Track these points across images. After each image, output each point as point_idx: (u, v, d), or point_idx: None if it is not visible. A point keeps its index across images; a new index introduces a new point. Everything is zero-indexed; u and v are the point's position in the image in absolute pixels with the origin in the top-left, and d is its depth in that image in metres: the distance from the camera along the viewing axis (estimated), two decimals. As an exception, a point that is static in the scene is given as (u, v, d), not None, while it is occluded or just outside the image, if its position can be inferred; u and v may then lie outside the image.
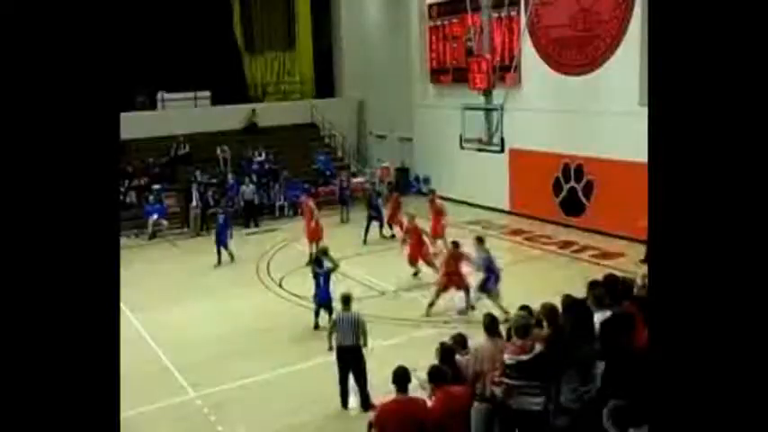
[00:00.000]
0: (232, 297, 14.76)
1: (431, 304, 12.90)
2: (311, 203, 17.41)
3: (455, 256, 12.98)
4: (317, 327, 12.30)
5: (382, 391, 6.24)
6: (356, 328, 9.36)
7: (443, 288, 12.90)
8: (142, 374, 10.59)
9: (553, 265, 15.94)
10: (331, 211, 21.37)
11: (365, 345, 9.47)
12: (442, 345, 6.96)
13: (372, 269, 15.52)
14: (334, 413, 9.63)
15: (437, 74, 23.66)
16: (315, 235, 16.47)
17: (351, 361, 9.38)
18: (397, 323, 12.69)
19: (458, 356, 6.87)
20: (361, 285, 14.88)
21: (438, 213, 16.71)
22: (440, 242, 15.98)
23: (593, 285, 7.04)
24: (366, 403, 9.29)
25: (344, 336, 9.39)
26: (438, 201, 17.20)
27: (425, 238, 15.18)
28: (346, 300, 9.70)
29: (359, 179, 25.10)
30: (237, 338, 12.23)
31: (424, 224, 15.90)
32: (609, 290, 6.79)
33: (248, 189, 21.63)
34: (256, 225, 21.29)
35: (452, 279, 12.83)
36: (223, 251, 17.20)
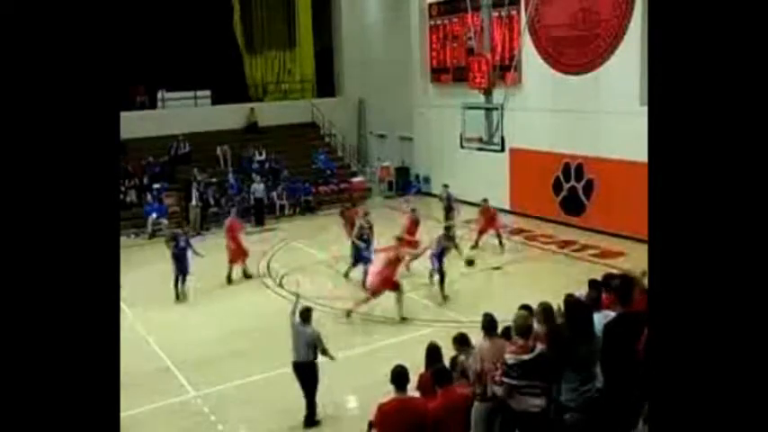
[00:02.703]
0: (232, 296, 14.76)
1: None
2: None
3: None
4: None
5: (383, 390, 6.23)
6: (309, 344, 9.12)
7: None
8: (142, 374, 10.59)
9: (553, 265, 15.94)
10: (330, 210, 21.37)
11: (331, 358, 9.32)
12: (430, 344, 7.04)
13: (371, 269, 15.49)
14: (333, 413, 9.64)
15: (437, 73, 23.66)
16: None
17: (301, 376, 9.19)
18: (397, 323, 12.70)
19: (462, 357, 6.86)
20: (361, 286, 14.90)
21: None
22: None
23: (589, 286, 7.05)
24: (310, 420, 9.19)
25: (297, 351, 9.21)
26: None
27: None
28: (305, 314, 9.36)
29: (359, 179, 25.14)
30: (237, 338, 12.23)
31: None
32: (616, 290, 6.77)
33: (259, 187, 21.69)
34: (262, 224, 21.33)
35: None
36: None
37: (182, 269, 14.62)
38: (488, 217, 17.26)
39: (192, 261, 14.86)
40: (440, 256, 13.86)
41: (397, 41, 25.13)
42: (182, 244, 14.69)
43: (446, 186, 18.82)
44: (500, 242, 17.19)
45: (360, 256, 14.71)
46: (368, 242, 14.77)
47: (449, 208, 18.19)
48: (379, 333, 12.23)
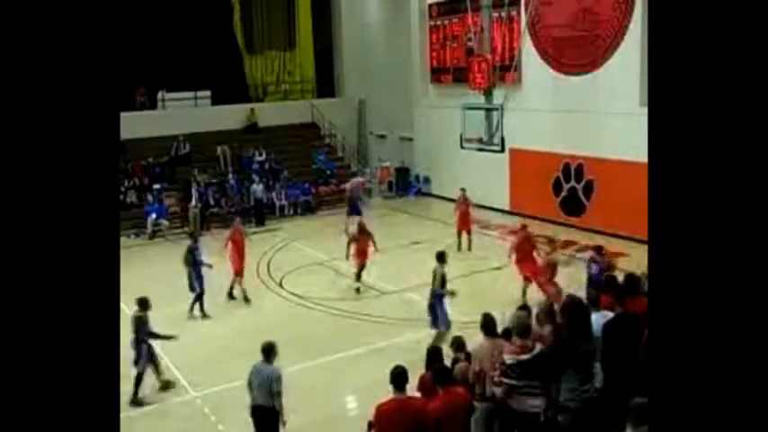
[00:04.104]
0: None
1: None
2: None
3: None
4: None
5: (382, 390, 6.23)
6: (270, 386, 7.88)
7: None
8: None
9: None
10: (331, 210, 21.38)
11: (279, 410, 7.96)
12: (431, 346, 7.02)
13: (371, 269, 15.49)
14: (333, 413, 9.64)
15: (437, 73, 23.66)
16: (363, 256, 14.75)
17: (265, 424, 8.00)
18: (397, 323, 12.69)
19: (459, 364, 6.86)
20: (360, 285, 14.90)
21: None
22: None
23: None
24: None
25: (257, 393, 7.98)
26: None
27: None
28: (267, 350, 8.04)
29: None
30: (237, 338, 12.22)
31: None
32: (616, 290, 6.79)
33: (258, 188, 21.70)
34: (263, 224, 21.33)
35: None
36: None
37: (202, 286, 13.49)
38: (462, 212, 17.23)
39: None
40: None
41: (397, 42, 25.14)
42: (198, 259, 13.53)
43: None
44: (468, 243, 17.07)
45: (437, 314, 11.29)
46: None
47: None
48: (379, 334, 12.23)
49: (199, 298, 13.60)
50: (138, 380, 9.96)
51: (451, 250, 15.83)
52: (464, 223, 17.21)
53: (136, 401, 9.84)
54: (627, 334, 5.94)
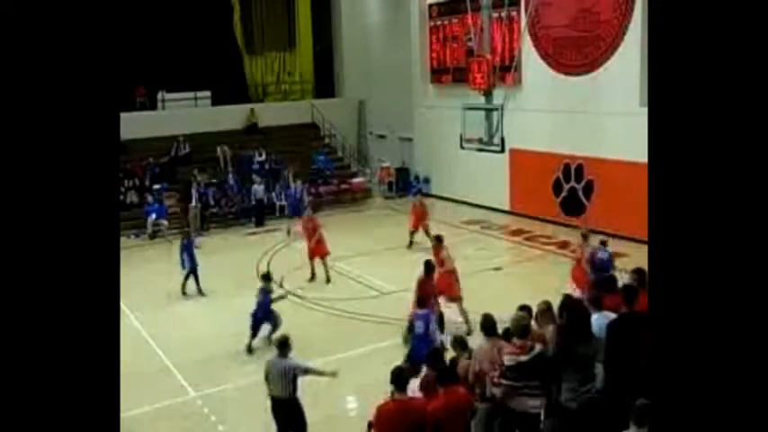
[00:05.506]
0: (232, 297, 14.73)
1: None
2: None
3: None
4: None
5: (383, 390, 6.23)
6: (286, 378, 7.95)
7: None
8: (142, 374, 10.60)
9: (553, 265, 15.93)
10: (329, 211, 21.40)
11: (321, 373, 8.44)
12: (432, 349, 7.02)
13: (371, 269, 15.51)
14: (333, 413, 9.64)
15: (437, 74, 23.66)
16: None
17: (285, 416, 8.09)
18: (395, 323, 12.67)
19: (462, 362, 6.86)
20: (359, 285, 14.90)
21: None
22: None
23: (590, 286, 7.05)
24: None
25: (275, 386, 8.05)
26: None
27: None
28: (282, 345, 8.15)
29: (359, 179, 25.15)
30: (238, 338, 12.22)
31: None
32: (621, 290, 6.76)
33: (260, 189, 21.72)
34: (262, 225, 21.33)
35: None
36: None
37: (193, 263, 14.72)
38: (419, 212, 17.53)
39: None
40: None
41: (397, 42, 25.14)
42: (192, 238, 15.10)
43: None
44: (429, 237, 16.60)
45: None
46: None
47: None
48: (379, 334, 12.23)
49: (189, 275, 14.64)
50: (272, 330, 11.66)
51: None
52: (418, 223, 17.44)
53: (250, 350, 11.67)
54: (630, 334, 5.94)
